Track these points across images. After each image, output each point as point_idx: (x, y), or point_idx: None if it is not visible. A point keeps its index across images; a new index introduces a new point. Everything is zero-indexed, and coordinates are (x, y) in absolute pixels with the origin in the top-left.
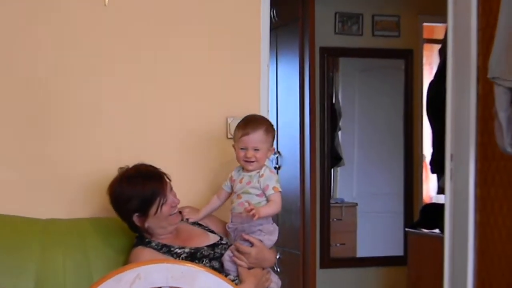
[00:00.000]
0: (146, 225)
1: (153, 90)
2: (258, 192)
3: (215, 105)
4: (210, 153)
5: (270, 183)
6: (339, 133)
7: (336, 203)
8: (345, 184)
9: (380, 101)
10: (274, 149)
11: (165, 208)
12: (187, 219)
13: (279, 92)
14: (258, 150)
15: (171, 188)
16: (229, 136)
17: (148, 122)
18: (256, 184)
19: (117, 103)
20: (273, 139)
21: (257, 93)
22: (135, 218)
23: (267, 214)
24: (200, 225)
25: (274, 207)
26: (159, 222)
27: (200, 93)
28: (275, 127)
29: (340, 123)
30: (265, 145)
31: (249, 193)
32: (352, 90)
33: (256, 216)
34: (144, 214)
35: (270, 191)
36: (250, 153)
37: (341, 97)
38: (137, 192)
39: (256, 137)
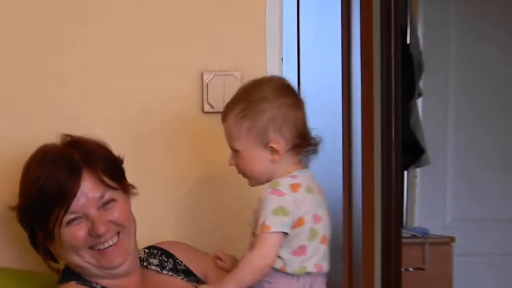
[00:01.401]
0: (55, 253)
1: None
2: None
3: (182, 52)
4: (175, 135)
5: (262, 214)
6: (419, 102)
7: (414, 236)
8: (430, 201)
9: (497, 43)
10: (277, 149)
11: (69, 232)
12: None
13: (303, 26)
14: (237, 151)
15: (110, 200)
16: (207, 108)
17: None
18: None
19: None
20: (264, 129)
21: (261, 30)
22: (40, 233)
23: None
24: (190, 274)
25: (244, 271)
26: (72, 255)
27: (159, 35)
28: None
29: (421, 85)
30: (242, 142)
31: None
32: (444, 21)
33: None
34: (45, 229)
35: (258, 229)
36: (230, 159)
37: (422, 34)
38: (39, 184)
39: (226, 130)
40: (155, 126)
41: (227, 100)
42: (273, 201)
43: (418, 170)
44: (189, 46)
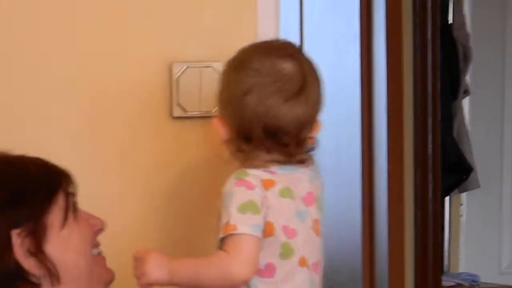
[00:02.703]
0: (49, 264)
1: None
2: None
3: (144, 36)
4: (133, 149)
5: (223, 215)
6: (466, 103)
7: (459, 286)
8: (481, 238)
9: None
10: (218, 128)
11: (80, 219)
12: None
13: (307, 2)
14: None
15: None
16: (177, 112)
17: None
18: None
19: None
20: (222, 96)
21: (250, 6)
22: (16, 237)
23: (178, 278)
24: None
25: (211, 270)
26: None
27: (113, 14)
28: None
29: (468, 79)
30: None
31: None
32: None
33: (144, 280)
34: (37, 225)
35: (220, 233)
36: None
37: (469, 11)
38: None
39: None
40: (106, 137)
41: (203, 101)
42: (239, 194)
43: (464, 195)
44: (154, 28)
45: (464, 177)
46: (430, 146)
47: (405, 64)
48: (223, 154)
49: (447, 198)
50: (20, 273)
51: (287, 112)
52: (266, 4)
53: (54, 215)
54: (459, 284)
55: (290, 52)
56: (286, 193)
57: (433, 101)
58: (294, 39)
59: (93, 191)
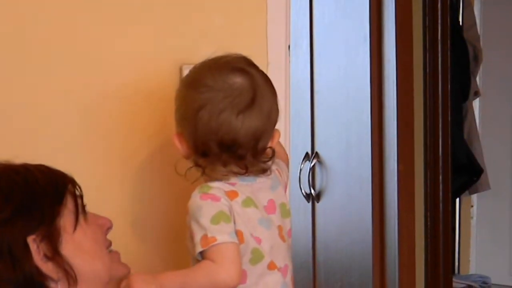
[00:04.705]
0: (66, 267)
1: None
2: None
3: (154, 38)
4: (144, 153)
5: (196, 229)
6: (476, 105)
7: (470, 287)
8: (491, 239)
9: None
10: (176, 144)
11: (91, 219)
12: None
13: (317, 3)
14: None
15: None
16: None
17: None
18: None
19: None
20: (178, 114)
21: (260, 8)
22: (32, 243)
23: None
24: None
25: (199, 278)
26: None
27: (123, 17)
28: (304, 93)
29: (478, 81)
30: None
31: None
32: None
33: None
34: (50, 229)
35: (197, 247)
36: None
37: (479, 12)
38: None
39: None
40: (116, 139)
41: None
42: (207, 207)
43: (474, 197)
44: (164, 30)
45: (475, 178)
46: (440, 148)
47: (415, 65)
48: (183, 171)
49: (457, 200)
50: (39, 278)
51: (240, 125)
52: (276, 7)
53: (66, 218)
54: (469, 286)
55: (240, 66)
56: (249, 202)
57: (443, 102)
58: (305, 41)
59: (103, 196)
